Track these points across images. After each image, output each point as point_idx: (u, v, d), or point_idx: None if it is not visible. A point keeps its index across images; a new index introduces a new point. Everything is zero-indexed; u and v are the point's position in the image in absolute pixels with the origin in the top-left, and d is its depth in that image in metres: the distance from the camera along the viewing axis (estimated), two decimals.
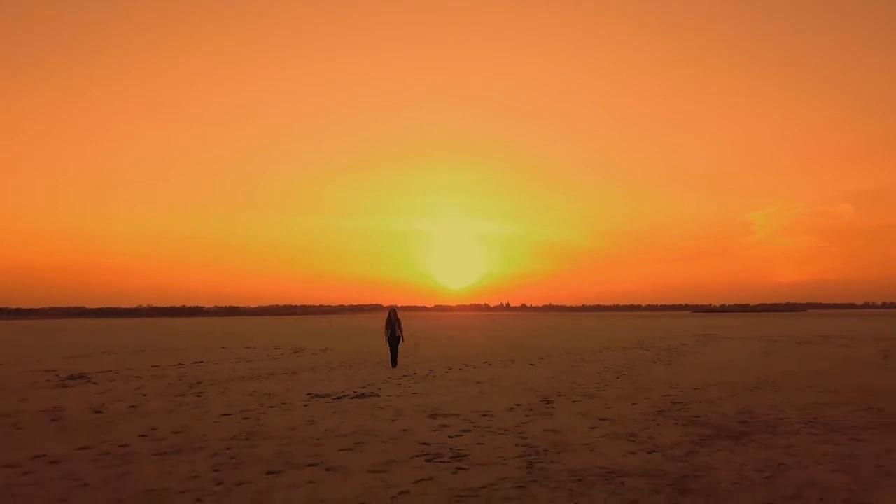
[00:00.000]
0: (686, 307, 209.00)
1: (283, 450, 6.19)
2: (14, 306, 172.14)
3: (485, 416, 8.06)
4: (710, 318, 77.90)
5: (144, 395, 10.61)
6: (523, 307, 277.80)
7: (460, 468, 5.39)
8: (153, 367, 16.12)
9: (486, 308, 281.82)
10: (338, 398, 9.87)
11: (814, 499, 4.44)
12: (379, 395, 10.14)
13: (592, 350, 20.85)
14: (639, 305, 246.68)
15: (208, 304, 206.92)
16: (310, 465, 5.54)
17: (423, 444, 6.41)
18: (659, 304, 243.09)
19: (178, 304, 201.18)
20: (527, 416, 8.05)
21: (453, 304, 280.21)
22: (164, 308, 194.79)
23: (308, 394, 10.40)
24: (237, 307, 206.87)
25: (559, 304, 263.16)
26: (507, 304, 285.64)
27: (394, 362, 14.91)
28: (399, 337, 15.02)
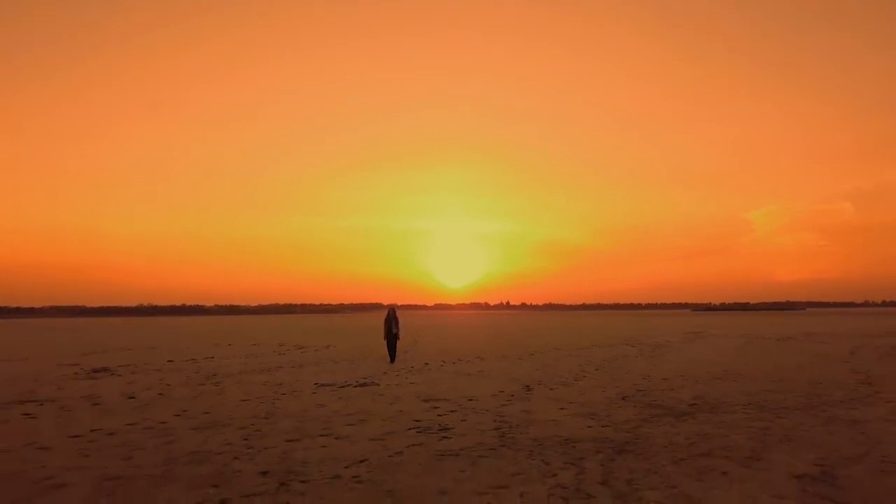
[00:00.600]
0: (686, 306, 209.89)
1: (298, 425, 7.39)
2: (14, 305, 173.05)
3: (471, 400, 9.26)
4: (708, 317, 79.01)
5: (168, 385, 11.81)
6: (523, 306, 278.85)
7: (445, 437, 6.59)
8: (168, 361, 17.31)
9: (487, 307, 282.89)
10: (342, 387, 11.07)
11: (721, 455, 5.63)
12: (379, 385, 11.34)
13: (581, 347, 22.02)
14: (639, 304, 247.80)
15: (209, 303, 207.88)
16: (322, 436, 6.74)
17: (416, 420, 7.61)
18: (659, 302, 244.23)
19: (178, 302, 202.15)
20: (507, 400, 9.24)
21: (453, 302, 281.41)
22: (164, 307, 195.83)
23: (315, 383, 11.60)
24: (238, 306, 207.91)
25: (559, 302, 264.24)
26: (507, 303, 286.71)
27: (392, 357, 16.07)
28: (396, 334, 16.18)
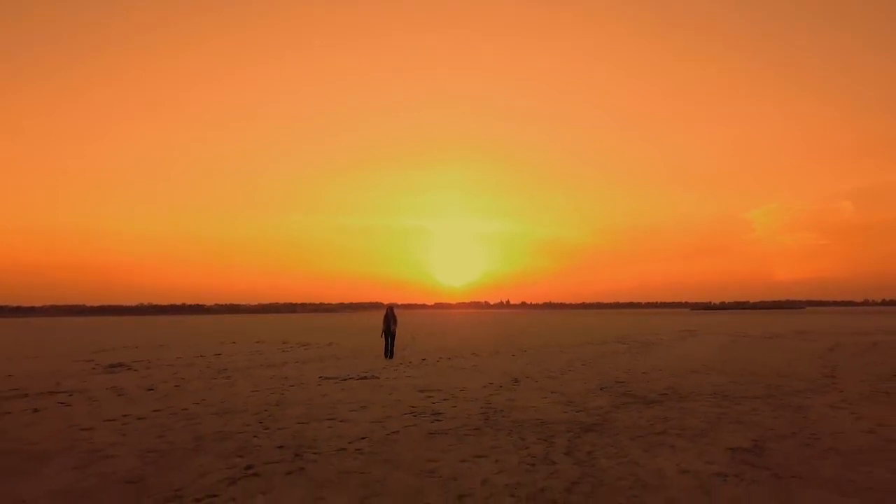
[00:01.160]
0: (686, 305, 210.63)
1: (306, 411, 8.28)
2: (15, 304, 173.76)
3: (462, 390, 10.16)
4: (705, 316, 79.90)
5: (183, 378, 12.71)
6: (523, 305, 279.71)
7: (436, 420, 7.49)
8: (178, 358, 18.20)
9: (487, 306, 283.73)
10: (345, 380, 11.96)
11: (674, 434, 6.53)
12: (379, 378, 12.24)
13: (574, 344, 22.91)
14: (639, 303, 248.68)
15: (209, 302, 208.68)
16: (328, 419, 7.63)
17: (412, 407, 8.51)
18: (659, 301, 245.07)
19: (178, 302, 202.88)
20: (495, 390, 10.14)
21: (453, 301, 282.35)
22: (164, 306, 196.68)
23: (320, 377, 12.50)
24: (238, 305, 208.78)
25: (559, 301, 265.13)
26: (508, 302, 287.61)
27: (390, 353, 16.95)
28: (394, 331, 17.07)
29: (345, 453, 5.81)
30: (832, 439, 6.21)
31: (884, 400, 8.78)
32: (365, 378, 12.23)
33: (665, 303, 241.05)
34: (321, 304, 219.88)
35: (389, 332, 17.00)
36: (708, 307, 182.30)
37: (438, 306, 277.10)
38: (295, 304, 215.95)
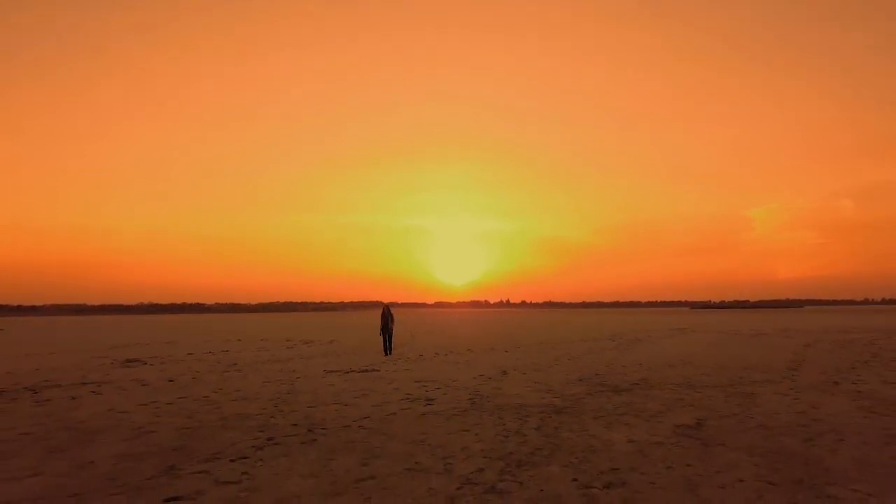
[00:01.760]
0: (686, 304, 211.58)
1: (314, 398, 9.35)
2: (16, 303, 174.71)
3: (454, 381, 11.23)
4: (703, 315, 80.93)
5: (198, 371, 13.77)
6: (523, 304, 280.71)
7: (429, 404, 8.55)
8: (189, 354, 19.28)
9: (486, 304, 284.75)
10: (347, 372, 13.03)
11: (633, 415, 7.58)
12: (379, 371, 13.30)
13: (566, 341, 23.97)
14: (639, 302, 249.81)
15: (210, 301, 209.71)
16: (334, 404, 8.70)
17: (408, 394, 9.58)
18: (659, 300, 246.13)
19: (179, 301, 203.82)
20: (484, 381, 11.20)
21: (453, 300, 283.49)
22: (165, 305, 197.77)
23: (324, 370, 13.57)
24: (238, 304, 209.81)
25: (559, 300, 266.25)
26: (507, 301, 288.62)
27: (387, 350, 18.00)
28: (391, 329, 18.13)
29: (349, 429, 6.88)
30: (764, 418, 7.26)
31: (829, 389, 9.83)
32: (366, 371, 13.29)
33: (665, 301, 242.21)
34: (322, 302, 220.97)
35: (387, 330, 18.06)
36: (707, 306, 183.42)
37: (438, 305, 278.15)
38: (295, 303, 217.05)
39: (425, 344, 22.80)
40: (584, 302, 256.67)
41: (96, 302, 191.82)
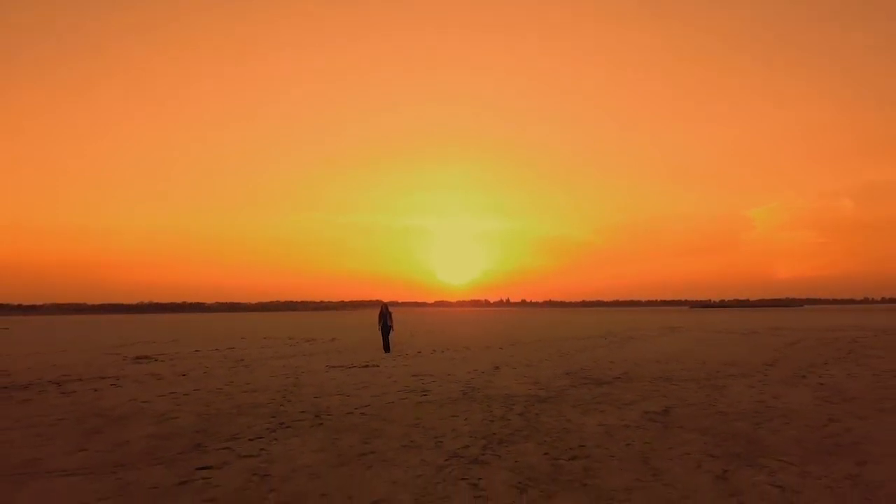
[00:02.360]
0: (686, 303, 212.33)
1: (318, 390, 10.14)
2: (16, 302, 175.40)
3: (449, 375, 12.02)
4: (701, 314, 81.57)
5: (207, 367, 14.56)
6: (523, 303, 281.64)
7: (424, 395, 9.34)
8: (196, 351, 20.07)
9: (486, 304, 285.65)
10: (349, 368, 13.82)
11: (608, 403, 8.37)
12: (379, 366, 14.09)
13: (560, 339, 24.77)
14: (639, 301, 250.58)
15: (209, 301, 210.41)
16: (337, 394, 9.49)
17: (406, 386, 10.37)
18: (660, 299, 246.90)
19: (178, 300, 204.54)
20: (477, 375, 11.99)
21: (453, 300, 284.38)
22: (165, 304, 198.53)
23: (327, 366, 14.36)
24: (238, 303, 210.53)
25: (559, 299, 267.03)
26: (508, 300, 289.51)
27: (386, 348, 18.79)
28: (390, 326, 18.93)
29: (352, 415, 7.67)
30: (725, 406, 8.05)
31: (795, 382, 10.62)
32: (367, 366, 14.08)
33: (666, 301, 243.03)
34: (322, 302, 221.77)
35: (385, 328, 18.85)
36: (706, 305, 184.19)
37: (439, 304, 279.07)
38: (295, 303, 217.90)
39: (424, 342, 23.60)
40: (584, 301, 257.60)
41: (96, 301, 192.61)
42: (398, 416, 7.61)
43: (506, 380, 11.19)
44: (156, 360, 16.75)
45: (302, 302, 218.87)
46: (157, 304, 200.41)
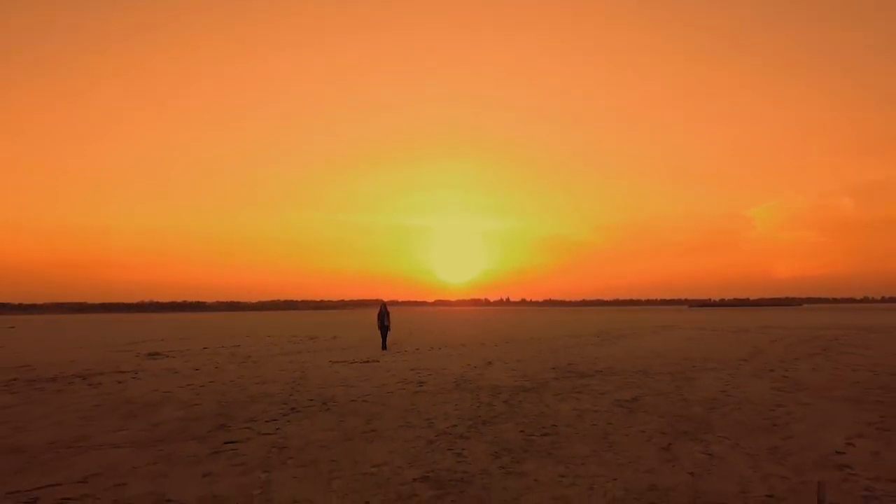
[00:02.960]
0: (686, 302, 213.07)
1: (324, 382, 11.08)
2: (17, 302, 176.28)
3: (444, 369, 12.97)
4: (699, 313, 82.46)
5: (218, 362, 15.51)
6: (523, 302, 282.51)
7: (420, 386, 10.30)
8: (204, 348, 21.02)
9: (486, 303, 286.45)
10: (351, 363, 14.77)
11: (586, 392, 9.31)
12: (378, 362, 15.04)
13: (553, 337, 25.71)
14: (639, 300, 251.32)
15: (209, 300, 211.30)
16: (341, 385, 10.44)
17: (403, 378, 11.32)
18: (660, 298, 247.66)
19: (179, 299, 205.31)
20: (470, 369, 12.94)
21: (453, 299, 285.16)
22: (165, 303, 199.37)
23: (330, 361, 15.31)
24: (238, 302, 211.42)
25: (559, 298, 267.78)
26: (508, 299, 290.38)
27: (384, 345, 19.73)
28: (387, 325, 19.89)
29: (355, 402, 8.62)
30: (689, 395, 9.00)
31: (761, 375, 11.56)
32: (367, 362, 15.03)
33: (665, 300, 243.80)
34: (322, 301, 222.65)
35: (384, 327, 19.81)
36: (706, 304, 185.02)
37: (439, 304, 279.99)
38: (296, 302, 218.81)
39: (423, 340, 24.55)
40: (583, 300, 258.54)
41: (97, 300, 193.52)
42: (396, 402, 8.56)
43: (496, 373, 12.13)
44: (168, 357, 17.70)
45: (302, 301, 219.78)
46: (157, 303, 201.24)
